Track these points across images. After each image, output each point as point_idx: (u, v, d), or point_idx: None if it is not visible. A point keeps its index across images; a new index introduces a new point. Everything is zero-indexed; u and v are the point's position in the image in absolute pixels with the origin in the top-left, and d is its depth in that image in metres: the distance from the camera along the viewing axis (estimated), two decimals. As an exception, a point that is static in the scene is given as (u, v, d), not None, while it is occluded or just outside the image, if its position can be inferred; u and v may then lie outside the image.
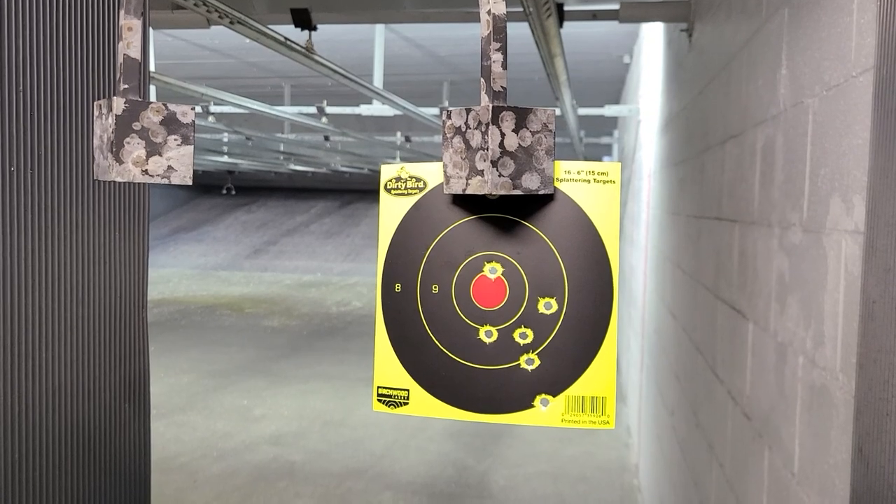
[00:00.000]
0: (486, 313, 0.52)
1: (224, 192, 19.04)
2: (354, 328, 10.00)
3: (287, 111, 6.31)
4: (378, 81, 5.05)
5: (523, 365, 0.51)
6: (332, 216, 18.93)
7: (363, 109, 5.78)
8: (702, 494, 2.24)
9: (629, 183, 6.32)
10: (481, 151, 0.49)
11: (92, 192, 1.02)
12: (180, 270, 15.46)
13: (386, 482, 4.55)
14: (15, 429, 0.99)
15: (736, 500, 1.75)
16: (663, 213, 3.58)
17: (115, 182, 1.04)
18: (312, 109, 6.24)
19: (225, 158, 12.15)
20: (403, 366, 0.53)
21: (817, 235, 1.19)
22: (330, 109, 6.18)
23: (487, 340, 0.52)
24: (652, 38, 4.60)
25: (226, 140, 9.37)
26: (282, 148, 10.67)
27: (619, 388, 6.65)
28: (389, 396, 0.53)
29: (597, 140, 11.54)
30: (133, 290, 1.15)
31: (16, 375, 0.98)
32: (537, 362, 0.50)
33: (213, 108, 6.69)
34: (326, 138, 9.20)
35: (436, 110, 6.21)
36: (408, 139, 9.45)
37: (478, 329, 0.52)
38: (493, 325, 0.51)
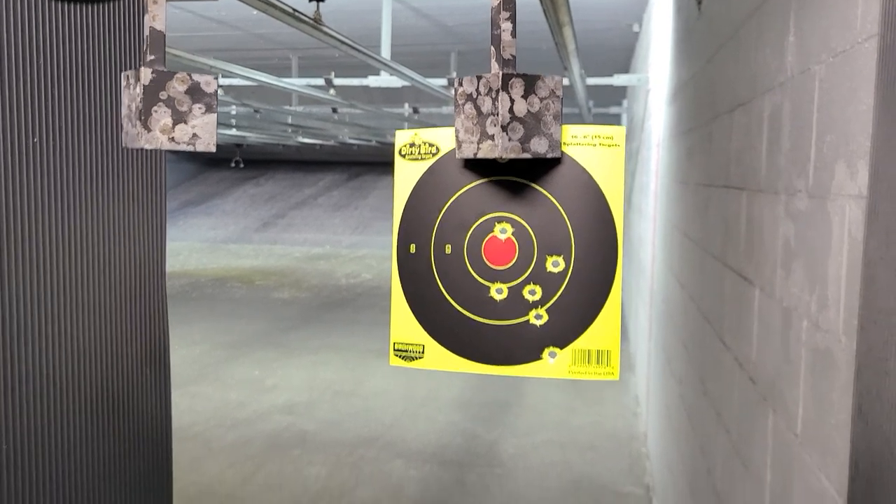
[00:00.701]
0: (496, 272, 0.54)
1: (232, 165, 19.05)
2: (364, 300, 10.07)
3: (295, 83, 6.30)
4: (386, 52, 5.04)
5: (532, 320, 0.53)
6: (340, 189, 18.94)
7: (371, 81, 5.77)
8: (709, 460, 2.28)
9: (637, 153, 6.30)
10: (492, 117, 0.51)
11: (112, 163, 1.05)
12: (190, 244, 15.55)
13: (396, 450, 4.62)
14: (44, 393, 1.03)
15: (742, 464, 1.79)
16: (672, 182, 3.59)
17: (133, 153, 1.07)
18: (320, 81, 6.23)
19: (233, 131, 12.15)
20: (419, 322, 0.55)
21: (822, 201, 1.20)
22: (338, 81, 6.17)
23: (498, 297, 0.54)
24: (661, 5, 4.57)
25: (234, 113, 9.37)
26: (290, 120, 10.66)
27: (627, 357, 6.69)
28: (405, 351, 0.56)
29: (605, 110, 11.48)
30: (152, 259, 1.18)
31: (44, 342, 1.01)
32: (546, 317, 0.53)
33: (221, 81, 6.69)
34: (334, 110, 9.20)
35: (443, 81, 6.20)
36: (416, 110, 9.43)
37: (489, 287, 0.54)
38: (504, 283, 0.54)
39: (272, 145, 17.90)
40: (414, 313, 0.56)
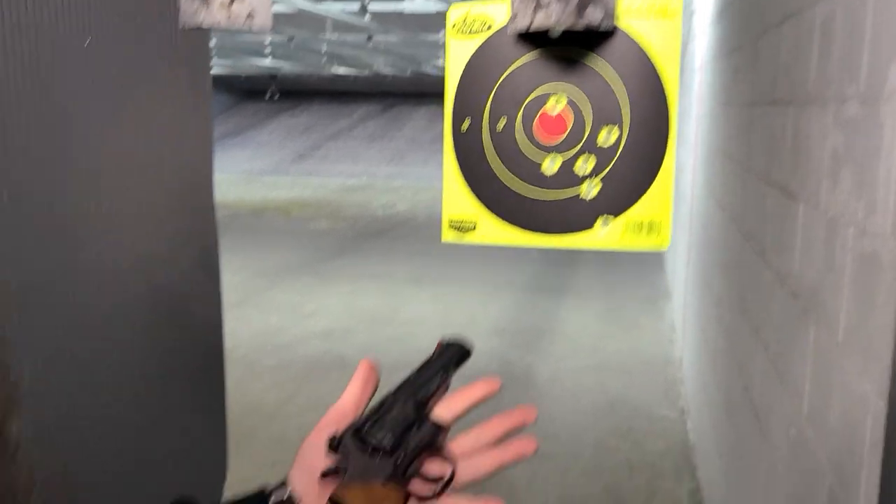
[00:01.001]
0: (550, 144, 0.55)
1: (268, 97, 19.03)
2: (400, 230, 10.13)
3: (330, 9, 6.23)
4: (422, -25, 4.95)
5: (585, 191, 0.54)
6: (375, 120, 18.86)
7: (406, 6, 5.68)
8: (746, 378, 2.30)
9: (679, 77, 6.15)
10: (547, -15, 0.51)
11: (159, 64, 1.06)
12: (228, 176, 15.69)
13: (434, 373, 4.72)
14: (106, 291, 1.07)
15: (779, 378, 1.80)
16: (715, 104, 3.51)
17: (180, 54, 1.08)
18: (355, 6, 6.15)
19: (268, 61, 12.10)
20: (473, 194, 0.57)
21: (874, 106, 1.18)
22: (373, 6, 6.09)
23: (552, 169, 0.55)
24: (708, -79, 4.39)
25: (268, 41, 9.32)
26: (324, 49, 10.58)
27: (663, 285, 6.69)
28: (459, 224, 0.57)
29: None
30: (200, 163, 1.20)
31: (104, 242, 1.05)
32: (598, 188, 0.54)
33: (255, 8, 6.64)
34: (369, 38, 9.09)
35: (480, 5, 6.07)
36: (451, 38, 9.26)
37: (543, 159, 0.55)
38: (558, 154, 0.55)
39: (307, 77, 17.82)
40: (469, 186, 0.57)
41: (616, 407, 4.26)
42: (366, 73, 15.35)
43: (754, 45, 2.43)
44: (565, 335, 5.58)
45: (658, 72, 0.55)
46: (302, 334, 5.56)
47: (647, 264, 7.53)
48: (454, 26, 0.58)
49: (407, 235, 9.73)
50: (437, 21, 9.34)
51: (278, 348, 5.24)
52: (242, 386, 4.42)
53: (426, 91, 17.56)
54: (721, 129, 3.24)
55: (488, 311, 6.06)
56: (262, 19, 0.59)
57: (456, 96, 0.58)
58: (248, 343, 5.27)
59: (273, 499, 0.64)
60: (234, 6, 0.57)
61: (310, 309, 6.25)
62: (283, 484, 0.66)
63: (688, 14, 5.78)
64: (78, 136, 1.00)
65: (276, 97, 18.84)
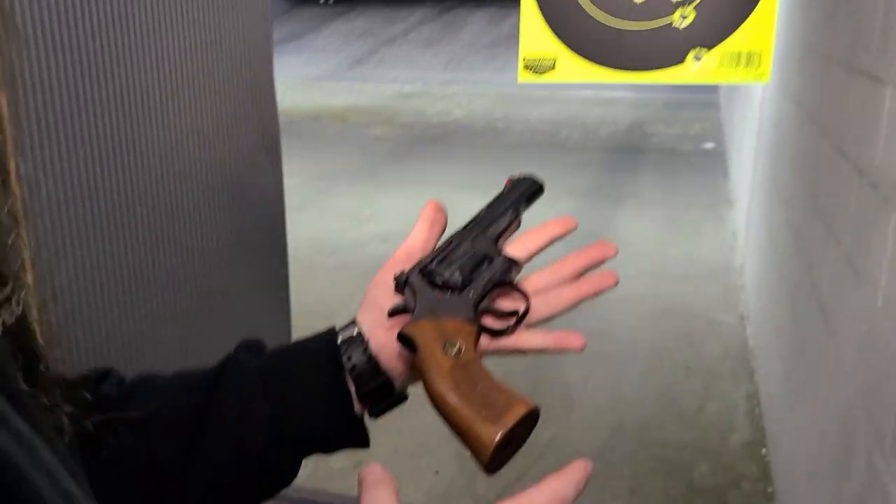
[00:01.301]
0: (640, -31, 0.50)
1: (323, 1, 18.71)
2: (456, 137, 10.03)
3: None
4: None
5: (677, 20, 0.50)
6: (431, 24, 18.44)
7: None
8: (814, 276, 2.24)
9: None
10: None
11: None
12: (284, 81, 15.63)
13: (491, 276, 4.74)
14: (169, 169, 1.07)
15: (853, 272, 1.74)
16: (793, -5, 3.31)
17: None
18: None
19: (322, -38, 11.83)
20: (552, 31, 0.53)
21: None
22: None
23: None
24: None
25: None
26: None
27: (726, 193, 6.51)
28: (536, 63, 0.54)
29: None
30: (261, 49, 1.18)
31: (163, 115, 1.05)
32: (692, 16, 0.50)
33: None
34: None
35: None
36: (511, -66, 8.90)
37: (633, -17, 0.51)
38: (650, -24, 0.50)
39: (362, -21, 17.40)
40: (548, 22, 0.53)
41: (674, 312, 4.23)
42: (422, -26, 14.90)
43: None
44: (625, 241, 5.51)
45: None
46: (360, 237, 5.62)
47: (709, 171, 7.33)
48: None
49: (463, 142, 9.63)
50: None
51: (337, 250, 5.32)
52: (304, 285, 4.52)
53: (484, -7, 16.97)
54: (801, 19, 3.06)
55: (544, 213, 6.01)
56: None
57: None
58: (308, 245, 5.35)
59: (342, 336, 0.64)
60: None
61: (367, 213, 6.30)
62: (352, 323, 0.65)
63: None
64: (139, 15, 0.98)
65: (332, 1, 18.53)
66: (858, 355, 1.64)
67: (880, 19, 1.68)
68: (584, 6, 0.51)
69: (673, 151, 8.43)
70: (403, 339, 0.59)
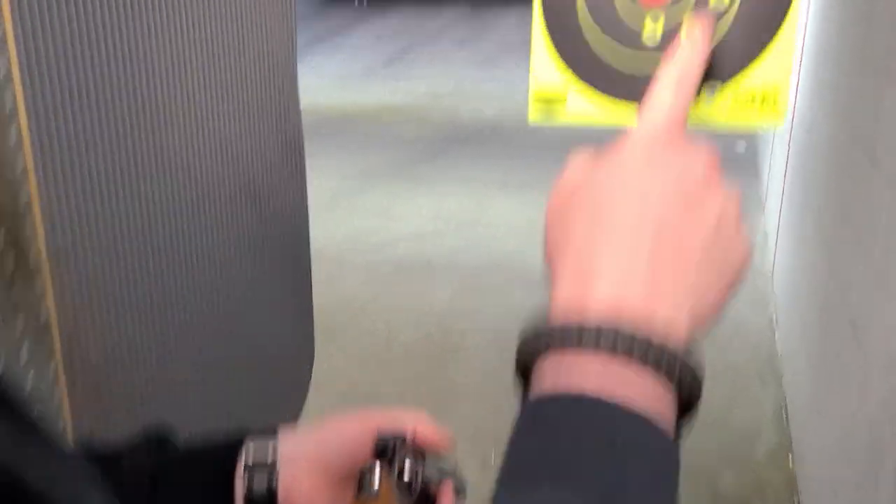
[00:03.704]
0: (654, 5, 0.51)
1: (356, 1, 18.79)
2: (487, 135, 10.02)
3: None
4: None
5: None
6: (463, 24, 18.42)
7: None
8: (844, 288, 2.21)
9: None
10: None
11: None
12: (318, 81, 15.75)
13: (518, 277, 4.74)
14: (192, 177, 1.10)
15: (883, 288, 1.72)
16: (829, -2, 3.26)
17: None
18: None
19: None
20: (563, 64, 0.53)
21: None
22: None
23: (654, 26, 0.51)
24: None
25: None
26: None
27: (758, 196, 6.42)
28: (548, 100, 0.54)
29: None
30: (284, 53, 1.20)
31: (187, 126, 1.07)
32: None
33: None
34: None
35: None
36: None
37: (644, 15, 0.51)
38: (661, 10, 0.51)
39: (396, -23, 17.42)
40: (560, 54, 0.53)
41: (703, 316, 4.19)
42: (456, -28, 14.88)
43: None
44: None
45: None
46: (391, 236, 5.66)
47: (740, 172, 7.23)
48: None
49: (494, 141, 9.62)
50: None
51: (368, 249, 5.36)
52: (334, 282, 4.56)
53: (518, -8, 16.92)
54: (835, 17, 3.01)
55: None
56: None
57: None
58: (339, 244, 5.40)
59: (253, 458, 0.57)
60: None
61: (398, 212, 6.33)
62: (273, 437, 0.58)
63: None
64: (161, 19, 1.00)
65: (366, 2, 18.60)
66: (887, 371, 1.62)
67: (913, 28, 1.66)
68: (600, 33, 0.51)
69: (707, 153, 8.31)
70: None
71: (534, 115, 0.56)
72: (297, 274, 1.35)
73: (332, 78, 15.98)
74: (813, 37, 3.75)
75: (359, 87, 14.98)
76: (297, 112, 1.34)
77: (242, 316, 1.19)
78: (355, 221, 6.01)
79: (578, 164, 0.49)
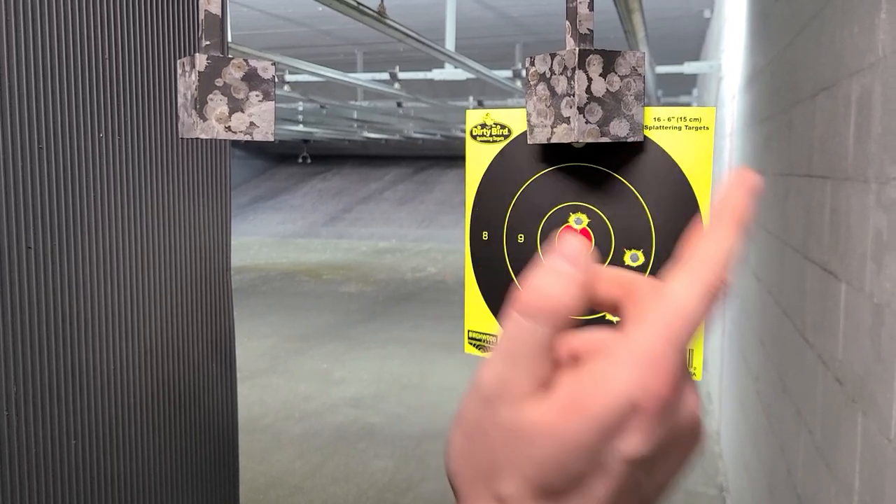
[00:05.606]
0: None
1: (300, 161, 19.37)
2: (430, 294, 10.09)
3: (360, 78, 6.34)
4: (450, 45, 5.01)
5: (609, 317, 0.49)
6: (405, 183, 19.05)
7: (435, 74, 5.75)
8: (789, 460, 2.18)
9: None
10: (567, 98, 0.47)
11: (176, 157, 1.04)
12: (260, 238, 15.87)
13: (463, 445, 4.60)
14: (112, 387, 1.03)
15: (826, 466, 1.70)
16: (747, 172, 3.45)
17: (198, 146, 1.06)
18: (385, 76, 6.25)
19: (300, 127, 12.33)
20: (492, 311, 0.52)
21: (920, 189, 1.12)
22: (402, 75, 6.18)
23: None
24: (735, -10, 4.41)
25: (301, 109, 9.50)
26: (355, 115, 10.76)
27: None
28: (479, 340, 0.53)
29: (675, 99, 11.21)
30: (217, 253, 1.18)
31: (110, 336, 1.02)
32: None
33: (288, 77, 6.78)
34: (399, 105, 9.23)
35: (508, 73, 6.14)
36: (480, 103, 9.38)
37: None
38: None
39: (338, 141, 18.13)
40: (487, 302, 0.53)
41: (652, 482, 4.10)
42: (396, 137, 15.58)
43: (787, 115, 2.39)
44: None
45: (691, 186, 0.50)
46: (330, 402, 5.49)
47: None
48: (472, 130, 0.55)
49: (437, 299, 9.68)
50: (465, 88, 9.46)
51: (305, 416, 5.17)
52: (268, 457, 4.35)
53: (456, 154, 17.73)
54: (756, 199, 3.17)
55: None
56: (265, 129, 0.56)
57: (474, 205, 0.54)
58: (276, 412, 5.20)
59: None
60: (234, 119, 0.54)
61: (338, 375, 6.19)
62: None
63: (716, 80, 5.78)
64: (88, 224, 0.97)
65: (309, 161, 19.17)
66: (840, 559, 1.56)
67: (828, 215, 1.74)
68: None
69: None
70: None
71: (468, 349, 0.56)
72: (224, 476, 1.26)
73: (275, 236, 16.13)
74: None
75: (301, 245, 15.12)
76: (230, 311, 1.30)
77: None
78: (293, 387, 5.85)
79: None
